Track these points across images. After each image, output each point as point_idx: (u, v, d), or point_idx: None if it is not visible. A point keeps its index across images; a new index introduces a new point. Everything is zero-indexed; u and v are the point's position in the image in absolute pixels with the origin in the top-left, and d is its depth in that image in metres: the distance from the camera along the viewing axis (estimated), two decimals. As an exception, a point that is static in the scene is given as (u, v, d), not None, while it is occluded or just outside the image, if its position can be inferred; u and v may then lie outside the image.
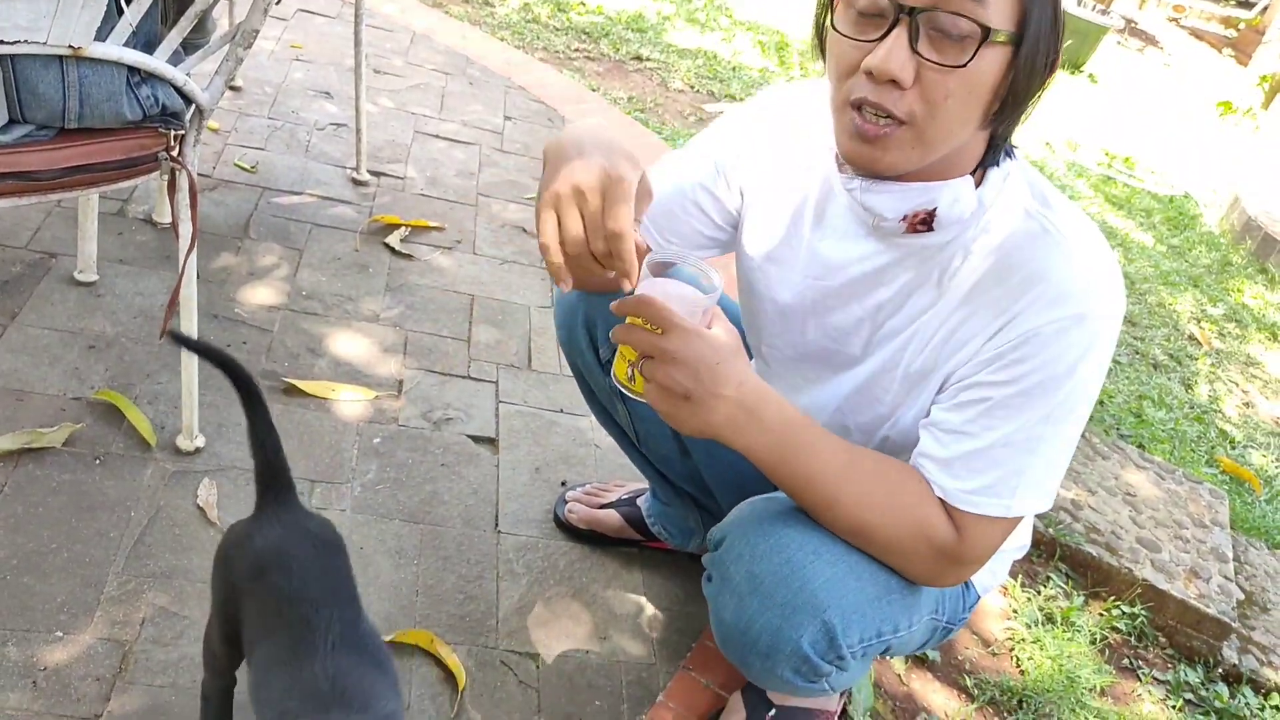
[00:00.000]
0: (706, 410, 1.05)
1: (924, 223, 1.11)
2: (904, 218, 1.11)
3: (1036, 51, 1.00)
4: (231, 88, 2.92)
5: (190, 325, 1.62)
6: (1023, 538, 1.38)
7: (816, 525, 1.17)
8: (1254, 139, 6.90)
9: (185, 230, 1.53)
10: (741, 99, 4.18)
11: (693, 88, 4.18)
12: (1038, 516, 2.17)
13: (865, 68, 1.00)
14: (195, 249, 1.54)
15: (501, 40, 3.96)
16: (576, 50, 4.15)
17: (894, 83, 0.99)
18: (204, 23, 1.58)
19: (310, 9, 3.57)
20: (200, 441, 1.72)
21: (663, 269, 1.07)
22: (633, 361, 1.06)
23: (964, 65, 0.98)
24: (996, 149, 1.10)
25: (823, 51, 1.10)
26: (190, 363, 1.65)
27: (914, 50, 0.98)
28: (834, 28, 1.04)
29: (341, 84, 3.15)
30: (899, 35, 0.98)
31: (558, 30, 4.27)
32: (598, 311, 1.46)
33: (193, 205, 1.52)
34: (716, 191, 1.32)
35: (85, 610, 1.42)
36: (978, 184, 1.11)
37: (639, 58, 4.28)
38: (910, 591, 1.22)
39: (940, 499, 1.12)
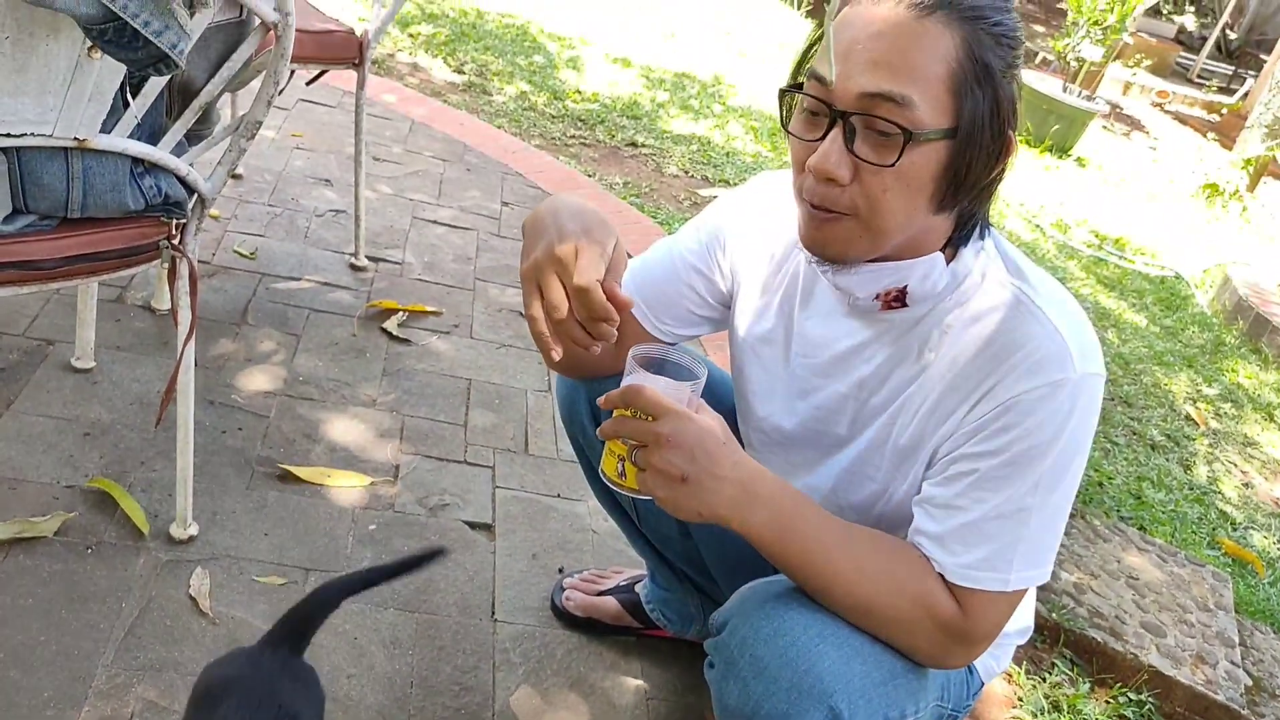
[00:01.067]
0: (705, 491, 1.06)
1: (898, 299, 1.14)
2: (877, 296, 1.15)
3: (975, 143, 1.05)
4: (233, 176, 2.96)
5: (187, 412, 1.62)
6: (1025, 620, 1.37)
7: (820, 608, 1.16)
8: (1240, 220, 7.00)
9: (184, 318, 1.54)
10: (735, 184, 4.25)
11: (687, 173, 4.24)
12: (1041, 600, 2.14)
13: (808, 166, 1.06)
14: (194, 337, 1.55)
15: (499, 127, 4.03)
16: (573, 137, 4.22)
17: (833, 181, 1.05)
18: (208, 113, 1.61)
19: (311, 99, 3.64)
20: (194, 530, 1.71)
21: (648, 362, 1.10)
22: (623, 456, 1.08)
23: (893, 165, 1.02)
24: (965, 227, 1.13)
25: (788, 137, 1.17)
26: (185, 449, 1.64)
27: (850, 150, 1.04)
28: (784, 126, 1.12)
29: (341, 171, 3.19)
30: (835, 136, 1.04)
31: (554, 118, 4.35)
32: (600, 388, 1.46)
33: (193, 293, 1.53)
34: (709, 272, 1.36)
35: (73, 705, 1.39)
36: (950, 260, 1.14)
37: (634, 144, 4.35)
38: (916, 675, 1.20)
39: (939, 575, 1.12)
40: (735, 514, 1.09)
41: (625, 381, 1.07)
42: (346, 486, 1.93)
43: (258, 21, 1.44)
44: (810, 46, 1.15)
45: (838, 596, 1.13)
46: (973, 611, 1.11)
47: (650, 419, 1.04)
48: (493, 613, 1.75)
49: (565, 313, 1.02)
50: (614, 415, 1.08)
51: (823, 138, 1.05)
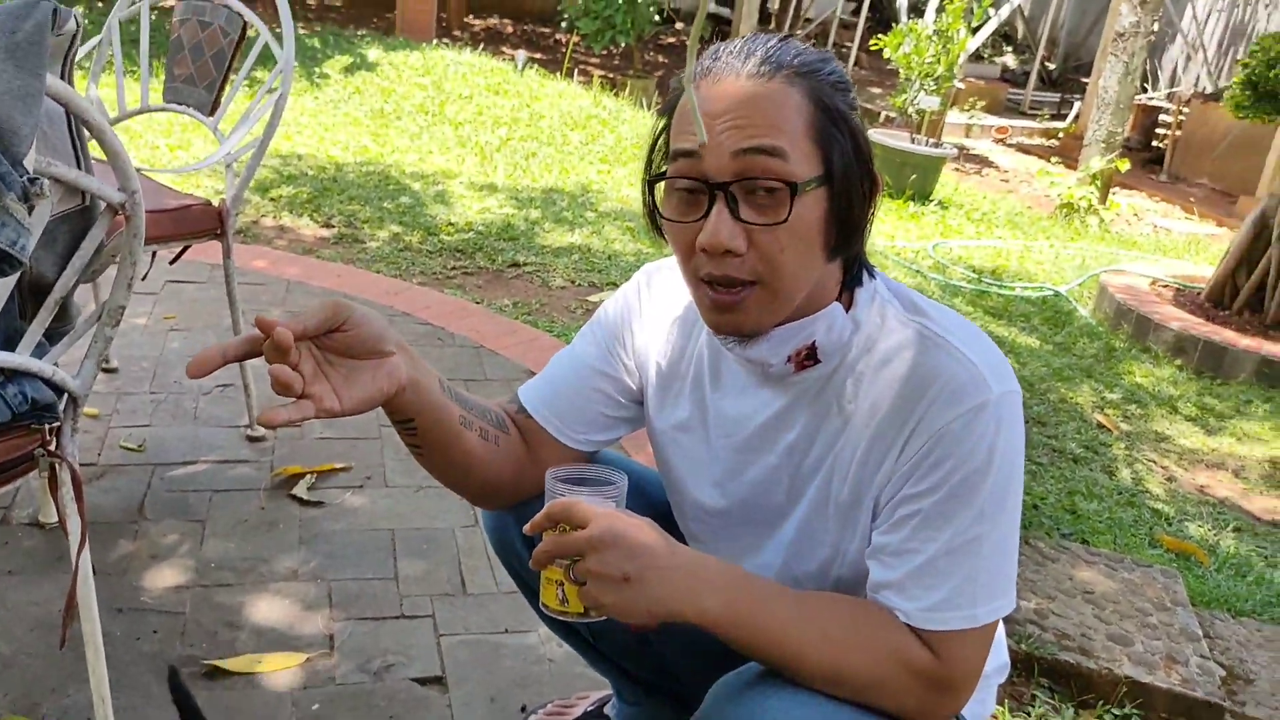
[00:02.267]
0: (651, 586, 1.03)
1: (809, 357, 1.14)
2: (789, 359, 1.14)
3: (849, 183, 1.08)
4: (106, 369, 2.85)
5: (93, 626, 1.50)
6: (1001, 657, 1.34)
7: (797, 689, 1.10)
8: (1100, 230, 7.34)
9: (74, 526, 1.44)
10: (622, 284, 4.28)
11: (574, 282, 4.26)
12: (1008, 634, 2.12)
13: (699, 246, 1.06)
14: (87, 544, 1.44)
15: (377, 272, 3.99)
16: (454, 268, 4.21)
17: (729, 253, 1.05)
18: (66, 308, 1.54)
19: (179, 279, 3.55)
20: (120, 752, 1.57)
21: (567, 479, 1.11)
22: (560, 581, 1.06)
23: (785, 221, 1.04)
24: (851, 270, 1.15)
25: (659, 233, 1.17)
26: (98, 666, 1.52)
27: (737, 219, 1.05)
28: (662, 216, 1.12)
29: (222, 345, 3.10)
30: (719, 209, 1.05)
31: (431, 253, 4.33)
32: (528, 512, 1.41)
33: (79, 499, 1.43)
34: (614, 373, 1.34)
35: None
36: (847, 307, 1.15)
37: (516, 264, 4.36)
38: (906, 735, 1.16)
39: (906, 625, 1.09)
40: (688, 603, 1.05)
41: (547, 503, 1.07)
42: (281, 669, 1.81)
43: (104, 205, 1.38)
44: (658, 138, 1.16)
45: (808, 668, 1.09)
46: (947, 655, 1.08)
47: (579, 529, 1.02)
48: (459, 771, 1.65)
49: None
50: (543, 538, 1.06)
51: (705, 216, 1.06)
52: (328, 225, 4.49)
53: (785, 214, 1.04)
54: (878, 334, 1.14)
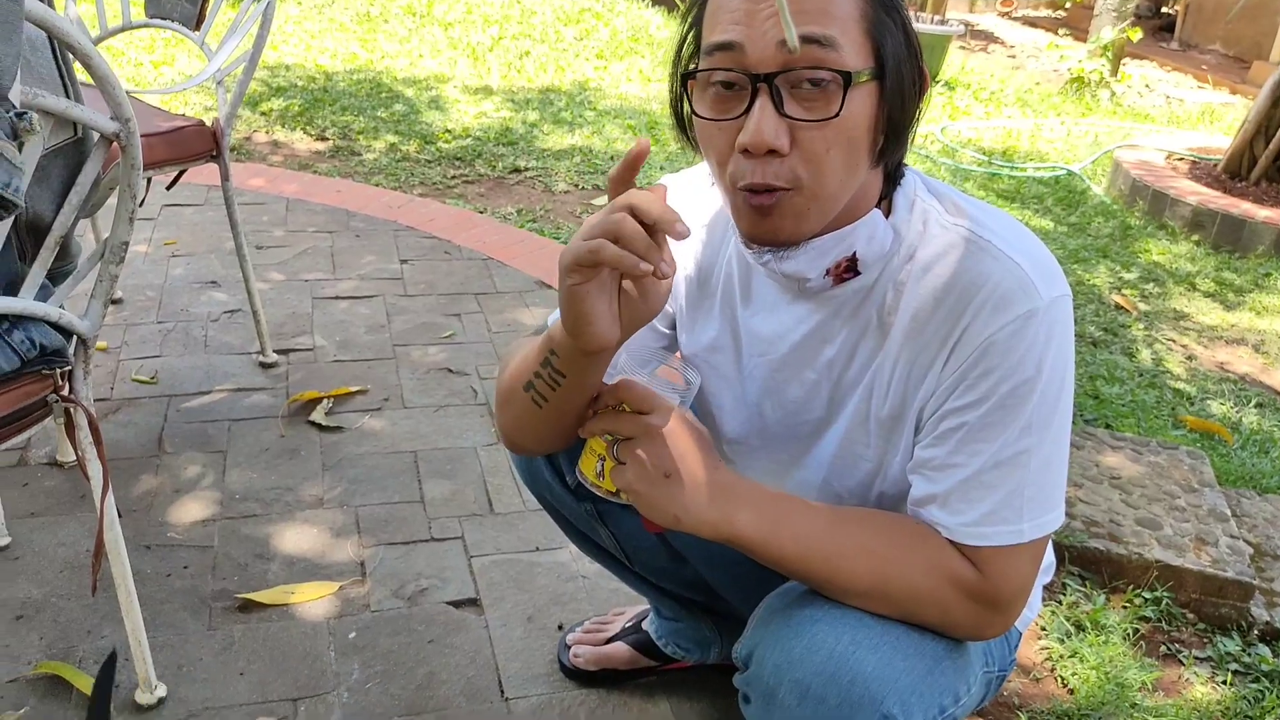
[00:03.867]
0: (686, 492, 1.02)
1: (849, 269, 1.08)
2: (827, 271, 1.07)
3: (901, 78, 0.99)
4: (111, 302, 2.80)
5: (123, 567, 1.48)
6: (1047, 558, 1.32)
7: (844, 611, 1.08)
8: (1112, 104, 7.16)
9: (95, 470, 1.40)
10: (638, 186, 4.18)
11: (577, 186, 4.17)
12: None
13: (739, 146, 0.97)
14: (110, 487, 1.42)
15: (377, 185, 3.90)
16: (454, 177, 4.11)
17: (773, 153, 0.96)
18: (67, 247, 1.48)
19: (176, 202, 3.47)
20: (161, 691, 1.57)
21: (636, 365, 1.07)
22: (603, 455, 1.04)
23: (836, 116, 0.95)
24: (892, 177, 1.08)
25: (687, 138, 1.09)
26: (131, 606, 1.50)
27: (782, 114, 0.95)
28: (696, 114, 1.02)
29: (226, 269, 3.04)
30: (763, 104, 0.95)
31: (430, 162, 4.23)
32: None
33: (97, 442, 1.40)
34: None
35: None
36: (887, 214, 1.08)
37: (517, 169, 4.26)
38: (960, 653, 1.14)
39: (950, 540, 1.06)
40: (717, 516, 1.04)
41: (612, 378, 1.04)
42: (314, 599, 1.81)
43: (97, 136, 1.31)
44: (687, 32, 1.06)
45: (848, 584, 1.07)
46: (991, 571, 1.05)
47: (640, 415, 1.01)
48: (502, 691, 1.65)
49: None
50: (599, 414, 1.04)
51: (747, 111, 0.96)
52: (322, 138, 4.38)
53: (836, 109, 0.95)
54: (919, 240, 1.08)
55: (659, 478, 1.02)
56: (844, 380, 1.14)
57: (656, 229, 0.90)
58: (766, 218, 1.01)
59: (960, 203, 1.10)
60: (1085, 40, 8.11)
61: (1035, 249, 1.06)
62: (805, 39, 0.93)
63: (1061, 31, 9.70)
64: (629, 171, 0.94)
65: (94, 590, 1.45)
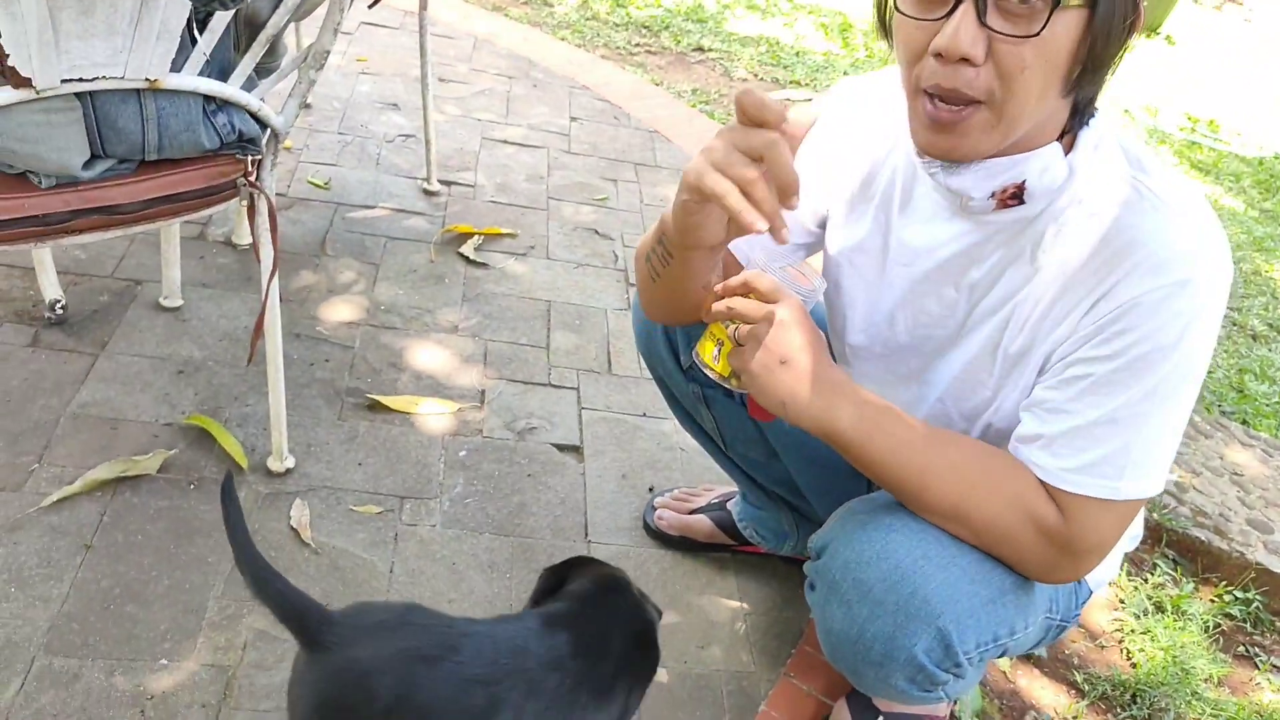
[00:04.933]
0: (796, 381, 1.07)
1: (1014, 196, 1.06)
2: (993, 194, 1.06)
3: (1113, 12, 0.94)
4: (303, 106, 2.95)
5: (276, 348, 1.63)
6: (1134, 528, 1.32)
7: (922, 527, 1.13)
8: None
9: (266, 255, 1.54)
10: (806, 85, 4.11)
11: (757, 75, 4.12)
12: (1142, 503, 2.09)
13: (933, 49, 0.95)
14: (277, 270, 1.55)
15: (562, 40, 3.95)
16: (637, 45, 4.12)
17: (966, 61, 0.94)
18: (275, 47, 1.59)
19: (373, 21, 3.59)
20: (290, 462, 1.74)
21: (769, 258, 1.15)
22: (721, 340, 1.11)
23: (1037, 34, 0.92)
24: (1082, 113, 1.04)
25: (887, 34, 1.05)
26: (277, 384, 1.66)
27: (983, 24, 0.93)
28: (897, 9, 1.00)
29: (408, 95, 3.16)
30: (966, 10, 0.93)
31: (617, 26, 4.24)
32: (673, 332, 1.45)
33: (273, 230, 1.53)
34: (806, 198, 1.27)
35: (188, 636, 1.44)
36: (1067, 150, 1.05)
37: (700, 49, 4.23)
38: (1025, 591, 1.18)
39: (1042, 481, 1.08)
40: (821, 409, 1.09)
41: (748, 270, 1.10)
42: (434, 414, 1.94)
43: (318, -54, 1.40)
44: None
45: (931, 499, 1.11)
46: (1076, 519, 1.07)
47: (765, 304, 1.07)
48: (586, 534, 1.76)
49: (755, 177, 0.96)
50: (726, 299, 1.10)
51: (949, 15, 0.94)
52: (519, -17, 4.43)
53: (1039, 27, 0.92)
54: (1093, 186, 1.05)
55: (774, 363, 1.07)
56: (982, 305, 1.14)
57: (784, 192, 0.95)
58: (944, 132, 1.00)
59: (1147, 162, 1.06)
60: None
61: (1207, 222, 1.03)
62: None
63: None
64: (765, 125, 0.95)
65: (250, 360, 1.59)
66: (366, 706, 0.99)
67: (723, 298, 1.11)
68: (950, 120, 0.98)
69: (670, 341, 1.47)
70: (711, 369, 1.13)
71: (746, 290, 1.09)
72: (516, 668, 1.07)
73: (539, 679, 1.08)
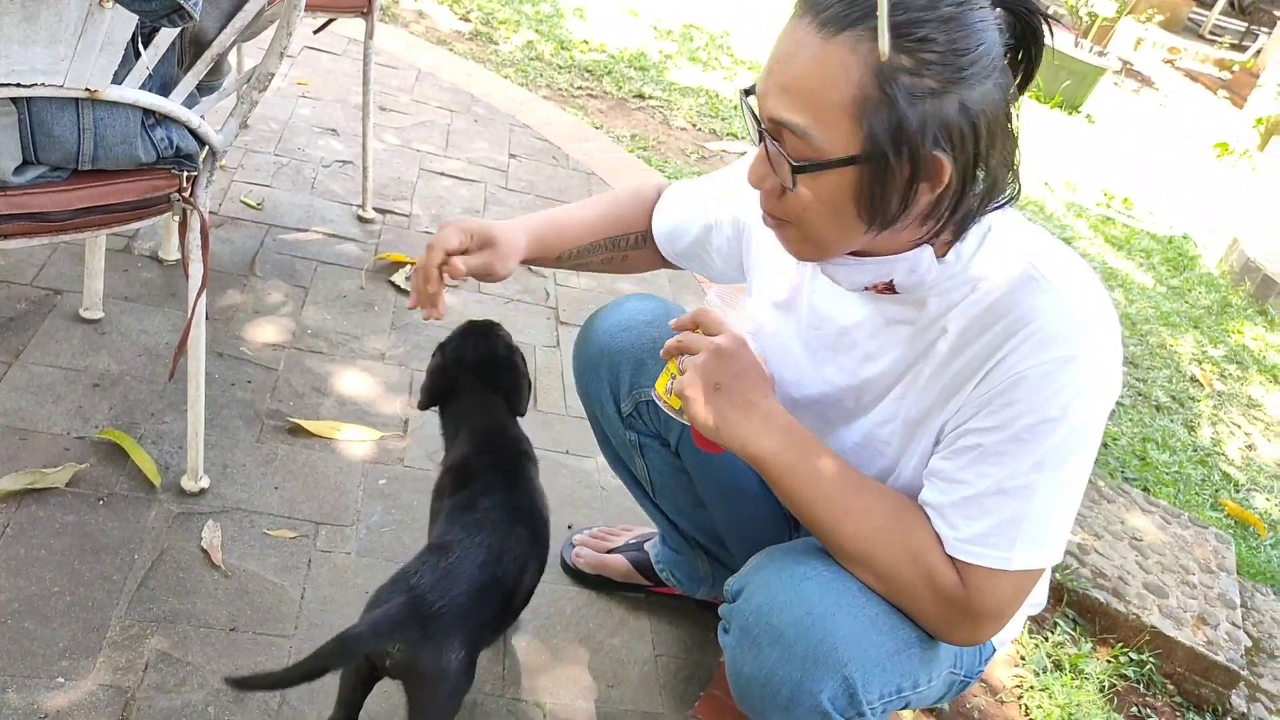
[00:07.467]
0: (731, 407, 1.13)
1: (888, 288, 1.13)
2: (866, 287, 1.14)
3: (882, 169, 0.98)
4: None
5: (198, 365, 1.61)
6: (1038, 595, 1.36)
7: (836, 575, 1.15)
8: (1251, 180, 6.95)
9: (196, 271, 1.53)
10: (744, 137, 4.21)
11: (695, 125, 4.20)
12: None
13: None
14: (206, 287, 1.54)
15: (505, 78, 3.98)
16: (580, 88, 4.17)
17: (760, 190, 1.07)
18: (219, 65, 1.58)
19: (317, 46, 3.59)
20: (205, 483, 1.71)
21: (720, 301, 1.22)
22: (674, 374, 1.19)
23: (793, 189, 1.03)
24: (961, 229, 1.07)
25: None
26: (197, 402, 1.64)
27: (771, 165, 1.04)
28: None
29: (347, 121, 3.16)
30: (761, 149, 1.05)
31: (561, 68, 4.29)
32: (621, 365, 1.48)
33: (204, 247, 1.52)
34: (728, 235, 1.40)
35: (87, 655, 1.40)
36: (946, 251, 1.09)
37: (641, 95, 4.31)
38: (930, 645, 1.20)
39: (942, 547, 1.11)
40: (751, 436, 1.14)
41: (701, 308, 1.19)
42: (356, 441, 1.93)
43: (270, -30, 1.41)
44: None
45: (842, 539, 1.14)
46: (972, 585, 1.10)
47: (708, 337, 1.15)
48: (503, 568, 1.76)
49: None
50: (676, 335, 1.19)
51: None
52: (465, 19, 4.46)
53: (792, 183, 1.02)
54: (985, 270, 1.09)
55: (709, 388, 1.13)
56: (881, 376, 1.19)
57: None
58: (775, 231, 1.11)
59: (1041, 245, 1.11)
60: (1242, 107, 7.83)
61: (1099, 305, 1.07)
62: (780, 121, 0.99)
63: (1221, 93, 9.36)
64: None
65: (171, 376, 1.57)
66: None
67: (620, 400, 1.25)
68: (773, 229, 1.11)
69: (613, 391, 1.50)
70: (665, 401, 1.20)
71: (694, 325, 1.18)
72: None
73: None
